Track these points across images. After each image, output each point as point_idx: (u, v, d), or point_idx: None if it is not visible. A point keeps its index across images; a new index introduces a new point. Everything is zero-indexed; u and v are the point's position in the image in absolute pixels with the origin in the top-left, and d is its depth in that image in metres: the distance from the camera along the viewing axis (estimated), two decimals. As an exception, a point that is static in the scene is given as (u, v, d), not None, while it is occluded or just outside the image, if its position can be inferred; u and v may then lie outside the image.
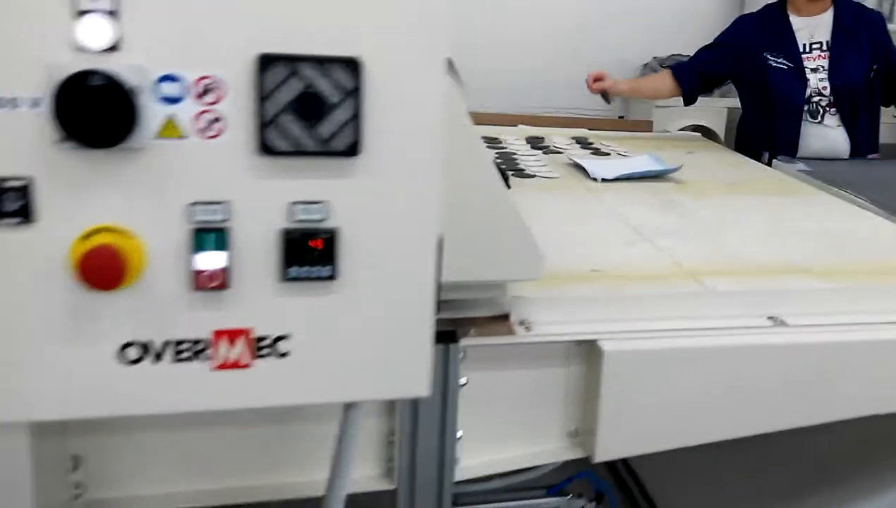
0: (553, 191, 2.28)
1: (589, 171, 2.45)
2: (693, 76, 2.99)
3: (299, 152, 0.85)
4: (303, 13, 0.83)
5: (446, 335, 1.36)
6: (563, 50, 4.29)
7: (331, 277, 0.89)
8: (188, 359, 0.89)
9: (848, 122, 2.77)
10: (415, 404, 1.36)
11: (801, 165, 2.63)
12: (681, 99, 3.04)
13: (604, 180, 2.40)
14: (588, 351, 1.42)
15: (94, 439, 1.32)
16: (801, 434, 1.52)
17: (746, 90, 2.96)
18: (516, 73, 4.29)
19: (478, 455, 1.45)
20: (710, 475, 2.03)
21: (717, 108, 3.94)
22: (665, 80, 3.03)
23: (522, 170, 2.47)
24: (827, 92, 2.76)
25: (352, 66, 0.84)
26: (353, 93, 0.85)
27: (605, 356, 1.38)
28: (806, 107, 2.76)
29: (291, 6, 0.83)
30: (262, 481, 1.34)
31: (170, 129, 0.83)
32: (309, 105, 0.84)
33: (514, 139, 2.88)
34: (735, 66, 2.91)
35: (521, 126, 3.11)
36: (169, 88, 0.82)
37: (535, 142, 2.85)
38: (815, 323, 1.51)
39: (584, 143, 2.89)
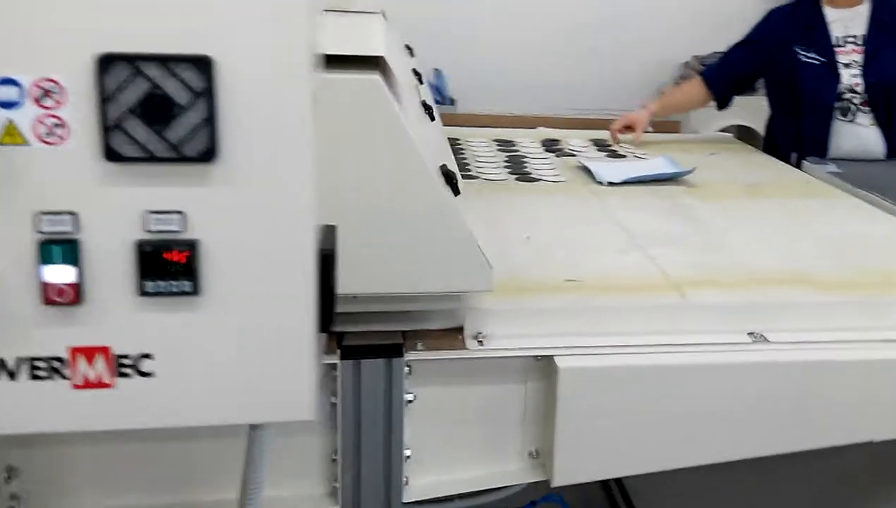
0: (554, 195, 2.19)
1: (595, 174, 2.34)
2: (724, 78, 2.84)
3: (149, 158, 0.79)
4: (146, 10, 0.77)
5: (390, 348, 1.29)
6: (600, 50, 4.17)
7: (193, 292, 0.83)
8: (46, 377, 0.84)
9: (883, 122, 2.60)
10: (357, 420, 1.29)
11: (831, 167, 2.48)
12: None
13: (610, 184, 2.29)
14: (546, 368, 1.33)
15: (28, 451, 1.29)
16: (805, 454, 1.41)
17: (775, 88, 2.80)
18: (549, 74, 4.19)
19: (430, 474, 1.37)
20: (707, 494, 1.91)
21: (760, 108, 3.76)
22: (696, 87, 2.88)
23: (528, 173, 2.38)
24: (860, 89, 2.59)
25: (202, 65, 0.78)
26: (205, 94, 0.78)
27: (560, 373, 1.29)
28: (837, 105, 2.60)
29: (133, 3, 0.77)
30: (191, 497, 1.30)
31: (10, 136, 0.78)
32: (156, 107, 0.78)
33: (529, 141, 2.79)
34: (765, 63, 2.76)
35: (540, 128, 3.01)
36: (5, 92, 0.77)
37: (550, 145, 2.76)
38: (801, 341, 1.39)
39: (601, 145, 2.78)
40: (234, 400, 0.87)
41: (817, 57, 2.62)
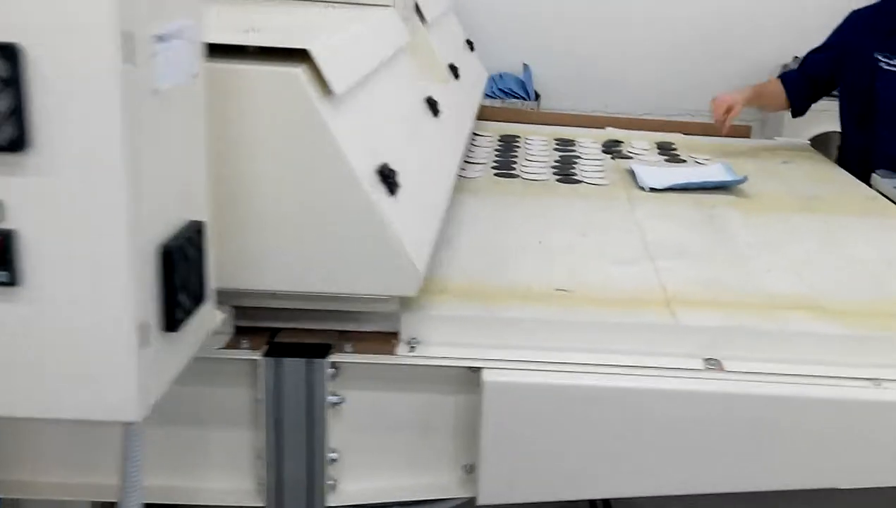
0: (588, 199, 2.09)
1: (638, 179, 2.23)
2: (800, 84, 2.62)
3: (-44, 147, 0.79)
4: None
5: (313, 348, 1.26)
6: (695, 50, 3.97)
7: (10, 283, 0.83)
8: None
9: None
10: (279, 419, 1.27)
11: (904, 182, 2.26)
12: (820, 106, 2.69)
13: (652, 190, 2.17)
14: (478, 380, 1.27)
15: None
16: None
17: (850, 96, 2.55)
18: (642, 74, 4.03)
19: (361, 480, 1.34)
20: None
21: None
22: (776, 88, 2.68)
23: (573, 175, 2.29)
24: None
25: (7, 53, 0.77)
26: (12, 82, 0.78)
27: (485, 387, 1.23)
28: None
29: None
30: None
31: None
32: (-38, 96, 0.78)
33: (591, 142, 2.69)
34: (843, 69, 2.53)
35: (609, 128, 2.89)
36: None
37: (611, 146, 2.64)
38: (761, 371, 1.26)
39: (665, 149, 2.64)
40: (56, 395, 0.87)
41: (899, 65, 2.39)
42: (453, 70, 2.29)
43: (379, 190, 1.22)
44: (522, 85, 4.16)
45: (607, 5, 4.09)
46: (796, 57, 3.69)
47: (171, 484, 1.31)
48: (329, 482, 1.30)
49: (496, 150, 2.53)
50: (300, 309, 1.30)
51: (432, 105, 1.79)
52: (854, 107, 2.52)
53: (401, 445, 1.32)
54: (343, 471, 1.32)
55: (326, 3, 1.73)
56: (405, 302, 1.33)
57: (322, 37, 1.24)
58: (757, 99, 2.69)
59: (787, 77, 2.68)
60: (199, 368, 1.27)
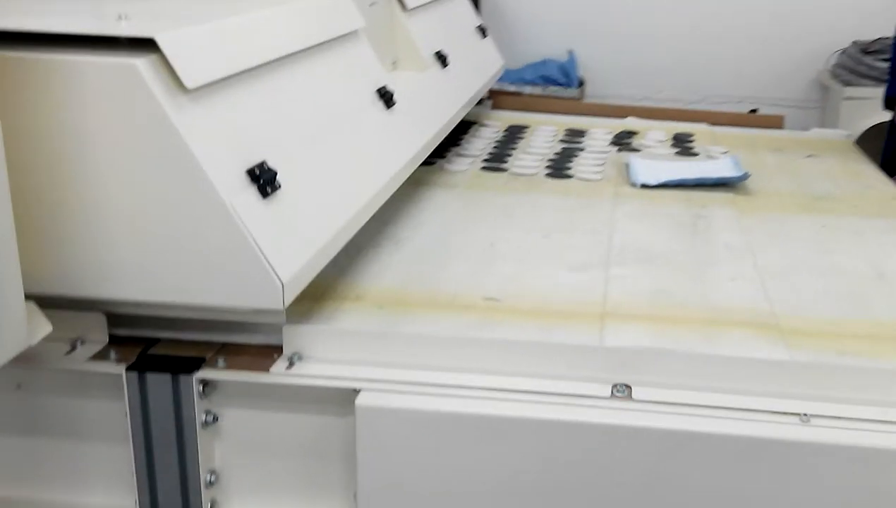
0: (570, 196, 1.94)
1: (630, 175, 2.06)
2: None
3: None
4: None
5: (182, 363, 1.17)
6: (748, 34, 3.71)
7: None
8: None
9: None
10: (147, 437, 1.19)
11: (938, 180, 2.03)
12: (879, 93, 2.43)
13: (644, 186, 2.00)
14: (359, 402, 1.16)
15: None
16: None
17: None
18: (695, 60, 3.81)
19: (245, 504, 1.24)
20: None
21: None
22: None
23: (565, 169, 2.15)
24: None
25: None
26: None
27: (357, 412, 1.11)
28: None
29: None
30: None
31: None
32: None
33: (604, 133, 2.52)
34: None
35: (630, 118, 2.71)
36: None
37: (622, 138, 2.47)
38: (670, 401, 1.11)
39: (680, 141, 2.44)
40: None
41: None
42: (440, 58, 2.16)
43: (245, 192, 1.12)
44: (565, 71, 3.99)
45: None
46: (855, 42, 3.41)
47: (44, 498, 1.24)
48: (208, 504, 1.21)
49: (496, 142, 2.40)
50: (183, 319, 1.22)
51: (385, 96, 1.67)
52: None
53: (287, 468, 1.23)
54: (225, 493, 1.24)
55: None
56: (295, 313, 1.23)
57: (189, 26, 1.14)
58: None
59: None
60: (69, 380, 1.22)
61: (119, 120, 1.05)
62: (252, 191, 1.13)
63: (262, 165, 1.16)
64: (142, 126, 1.05)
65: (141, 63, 1.04)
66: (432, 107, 1.98)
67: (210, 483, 1.21)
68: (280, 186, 1.18)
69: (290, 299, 1.13)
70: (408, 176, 1.67)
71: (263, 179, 1.15)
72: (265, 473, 1.23)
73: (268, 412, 1.20)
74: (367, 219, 1.43)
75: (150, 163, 1.06)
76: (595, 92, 3.99)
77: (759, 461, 1.06)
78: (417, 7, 2.15)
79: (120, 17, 1.15)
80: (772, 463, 1.06)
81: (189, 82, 1.07)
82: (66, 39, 1.08)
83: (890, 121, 2.37)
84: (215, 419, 1.19)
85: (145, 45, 1.07)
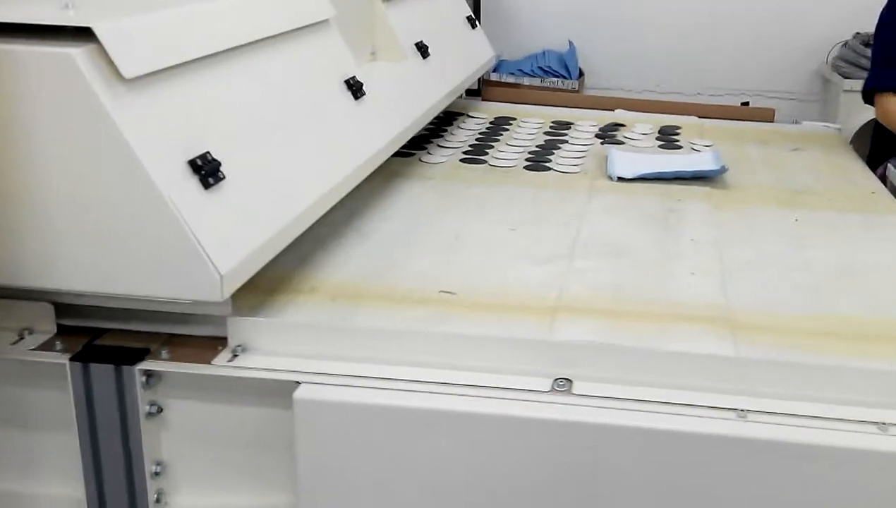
0: (545, 189, 1.93)
1: (607, 168, 2.05)
2: None
3: None
4: None
5: (125, 354, 1.18)
6: (749, 27, 3.67)
7: None
8: None
9: None
10: (92, 428, 1.19)
11: (920, 174, 2.00)
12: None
13: (620, 179, 1.99)
14: (302, 395, 1.16)
15: None
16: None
17: None
18: (696, 52, 3.77)
19: (193, 495, 1.25)
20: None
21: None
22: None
23: (544, 162, 2.13)
24: None
25: None
26: None
27: (295, 405, 1.11)
28: None
29: None
30: None
31: None
32: None
33: (590, 125, 2.50)
34: None
35: (618, 111, 2.69)
36: None
37: (607, 131, 2.45)
38: (614, 396, 1.10)
39: (665, 134, 2.42)
40: None
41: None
42: (421, 49, 2.15)
43: (186, 183, 1.11)
44: (564, 63, 3.97)
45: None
46: (857, 33, 3.36)
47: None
48: (154, 495, 1.22)
49: (480, 134, 2.39)
50: (131, 310, 1.22)
51: (353, 87, 1.67)
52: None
53: (233, 460, 1.23)
54: (172, 485, 1.24)
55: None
56: (246, 305, 1.24)
57: (133, 15, 1.14)
58: None
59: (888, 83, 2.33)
60: (17, 369, 1.22)
61: (58, 110, 1.05)
62: (193, 182, 1.13)
63: (204, 156, 1.16)
64: (80, 117, 1.05)
65: (77, 53, 1.04)
66: (408, 98, 1.97)
67: (156, 474, 1.21)
68: (224, 177, 1.17)
69: (229, 291, 1.12)
70: (376, 167, 1.67)
71: (205, 170, 1.14)
72: (212, 464, 1.23)
73: (212, 403, 1.20)
74: (325, 210, 1.42)
75: (89, 155, 1.06)
76: (595, 83, 3.97)
77: (694, 456, 1.05)
78: (399, -4, 2.14)
79: (67, 6, 1.15)
80: (707, 459, 1.05)
81: (127, 72, 1.07)
82: (7, 28, 1.08)
83: (876, 114, 2.33)
84: (160, 410, 1.19)
85: (87, 34, 1.07)
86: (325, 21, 1.69)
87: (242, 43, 1.37)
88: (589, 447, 1.07)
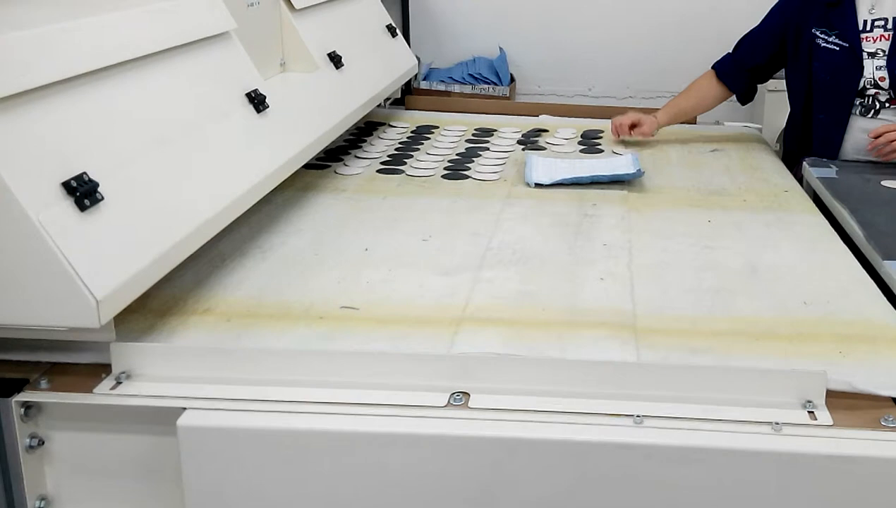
0: (461, 197, 1.91)
1: (525, 174, 2.03)
2: (740, 70, 2.34)
3: None
4: None
5: (1, 385, 1.12)
6: (678, 29, 3.70)
7: None
8: None
9: (913, 121, 2.05)
10: (-30, 461, 1.13)
11: (830, 171, 2.01)
12: None
13: (538, 185, 1.97)
14: (190, 421, 1.11)
15: None
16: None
17: (793, 79, 2.27)
18: (627, 55, 3.78)
19: (85, 529, 1.20)
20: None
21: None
22: (709, 83, 2.39)
23: (463, 170, 2.11)
24: (885, 84, 2.05)
25: None
26: None
27: (179, 432, 1.07)
28: (858, 102, 2.07)
29: None
30: None
31: None
32: None
33: (513, 132, 2.49)
34: (781, 50, 2.25)
35: (543, 116, 2.68)
36: None
37: (530, 136, 2.44)
38: (511, 408, 1.07)
39: (589, 138, 2.42)
40: None
41: (839, 42, 2.10)
42: (333, 59, 2.12)
43: (59, 205, 1.07)
44: (494, 69, 3.95)
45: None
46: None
47: None
48: (39, 530, 1.16)
49: (400, 143, 2.36)
50: (12, 339, 1.16)
51: (255, 99, 1.63)
52: (796, 88, 2.24)
53: (122, 490, 1.18)
54: (62, 518, 1.18)
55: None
56: (136, 329, 1.19)
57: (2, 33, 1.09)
58: (681, 112, 2.41)
59: (722, 66, 2.39)
60: None
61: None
62: (67, 205, 1.08)
63: (80, 177, 1.11)
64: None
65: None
66: (318, 109, 1.93)
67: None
68: (103, 198, 1.13)
69: (107, 317, 1.08)
70: (280, 182, 1.63)
71: (81, 192, 1.10)
72: (99, 496, 1.18)
73: (98, 433, 1.16)
74: (220, 228, 1.38)
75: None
76: (528, 89, 3.95)
77: (591, 465, 1.03)
78: (308, 7, 2.10)
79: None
80: (605, 467, 1.03)
81: (-10, 92, 1.02)
82: None
83: (789, 113, 2.35)
84: (41, 442, 1.14)
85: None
86: (226, 33, 1.65)
87: (130, 58, 1.32)
88: (485, 461, 1.04)
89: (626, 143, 2.34)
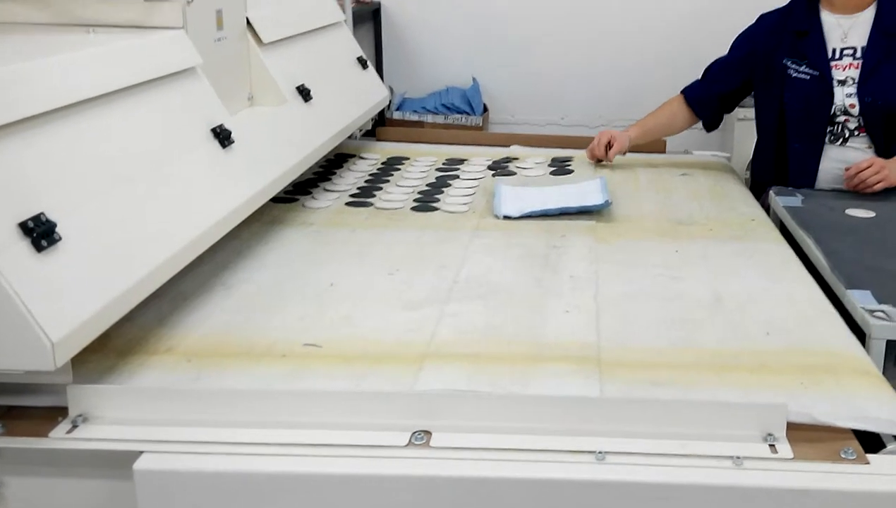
0: (429, 230, 1.90)
1: (494, 206, 2.03)
2: (708, 97, 2.38)
3: None
4: None
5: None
6: (649, 58, 3.75)
7: None
8: None
9: (881, 149, 2.08)
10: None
11: (796, 200, 2.03)
12: None
13: (506, 217, 1.97)
14: (148, 465, 1.09)
15: None
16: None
17: (762, 107, 2.29)
18: (598, 86, 3.83)
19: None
20: None
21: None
22: (679, 107, 2.42)
23: (432, 201, 2.11)
24: (855, 111, 2.08)
25: None
26: None
27: (135, 476, 1.05)
28: (829, 130, 2.10)
29: None
30: None
31: None
32: None
33: (484, 160, 2.49)
34: (750, 79, 2.29)
35: (514, 147, 2.69)
36: None
37: (500, 165, 2.45)
38: (472, 446, 1.06)
39: (559, 165, 2.43)
40: None
41: (809, 70, 2.13)
42: (302, 92, 2.12)
43: (14, 247, 1.05)
44: (467, 99, 3.98)
45: (558, 17, 3.90)
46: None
47: None
48: (-4, 578, 1.14)
49: (370, 175, 2.36)
50: (-33, 382, 1.15)
51: (220, 135, 1.62)
52: (766, 117, 2.27)
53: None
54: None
55: (91, 28, 1.58)
56: (95, 370, 1.18)
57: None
58: (653, 130, 2.46)
59: (691, 91, 2.43)
60: None
61: None
62: (24, 246, 1.07)
63: (37, 218, 1.10)
64: None
65: None
66: (286, 143, 1.93)
67: (-6, 557, 1.14)
68: (60, 239, 1.12)
69: (63, 359, 1.06)
70: (245, 217, 1.62)
71: (38, 232, 1.09)
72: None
73: (54, 478, 1.14)
74: (182, 266, 1.37)
75: None
76: (501, 119, 3.98)
77: (553, 503, 1.02)
78: (276, 41, 2.10)
79: None
80: (567, 505, 1.02)
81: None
82: None
83: (756, 141, 2.38)
84: (-2, 487, 1.12)
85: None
86: (192, 69, 1.65)
87: (92, 96, 1.32)
88: (445, 501, 1.03)
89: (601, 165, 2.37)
